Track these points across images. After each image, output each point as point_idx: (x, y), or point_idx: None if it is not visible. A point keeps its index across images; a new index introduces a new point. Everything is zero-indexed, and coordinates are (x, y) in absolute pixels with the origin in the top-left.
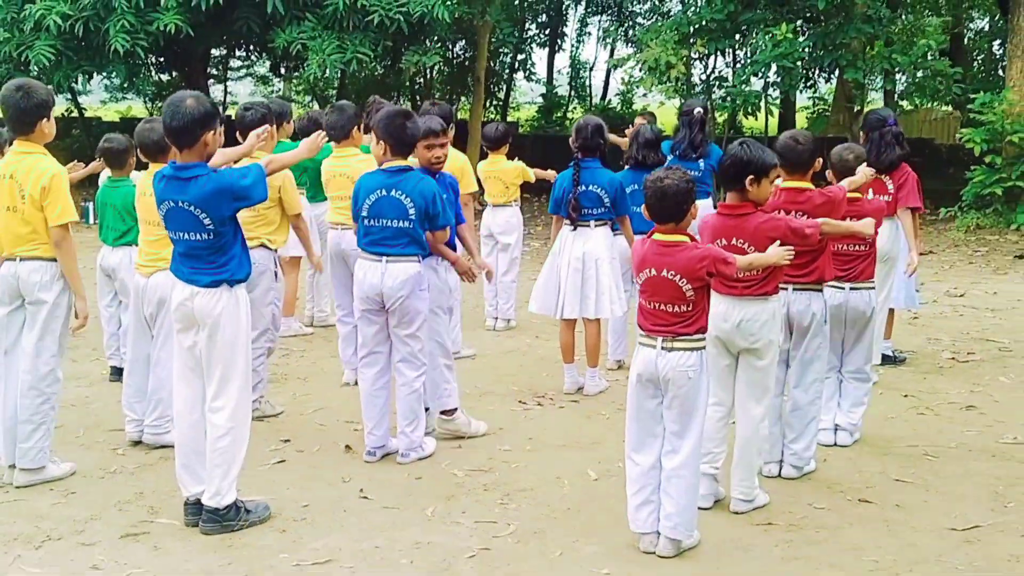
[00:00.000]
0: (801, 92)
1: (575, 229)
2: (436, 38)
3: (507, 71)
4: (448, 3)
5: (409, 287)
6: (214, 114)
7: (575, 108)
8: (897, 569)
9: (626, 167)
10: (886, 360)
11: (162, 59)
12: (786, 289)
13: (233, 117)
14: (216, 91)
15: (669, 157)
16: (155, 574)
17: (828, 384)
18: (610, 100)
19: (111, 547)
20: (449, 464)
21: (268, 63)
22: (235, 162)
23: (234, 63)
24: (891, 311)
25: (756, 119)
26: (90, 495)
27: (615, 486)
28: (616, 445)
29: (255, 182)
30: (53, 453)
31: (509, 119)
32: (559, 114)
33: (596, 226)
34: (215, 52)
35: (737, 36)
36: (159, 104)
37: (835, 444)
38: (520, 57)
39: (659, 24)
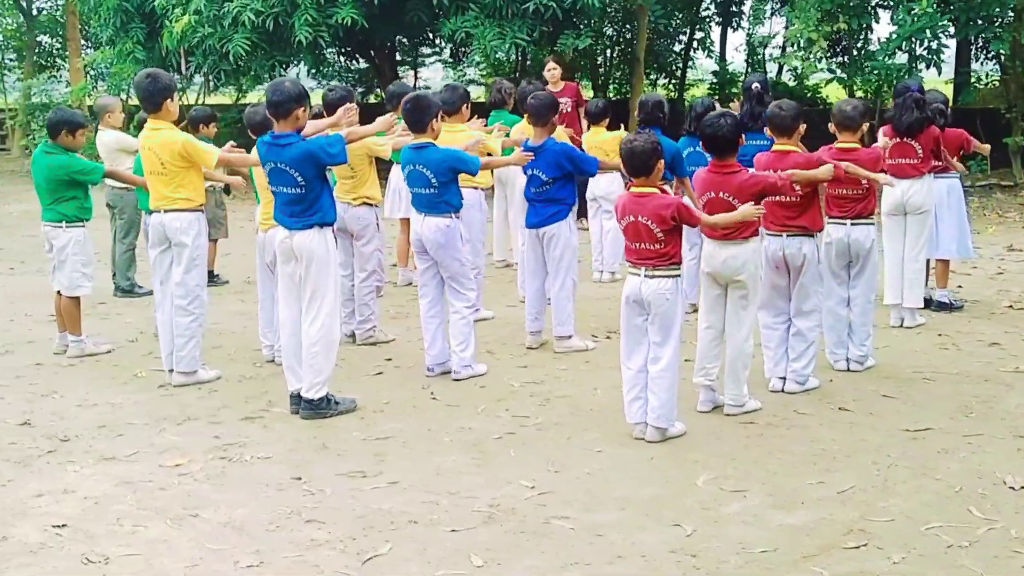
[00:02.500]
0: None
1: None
2: (589, 22)
3: (682, 49)
4: None
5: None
6: (304, 95)
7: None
8: (835, 455)
9: (683, 136)
10: (942, 307)
11: (348, 48)
12: (780, 236)
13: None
14: (408, 77)
15: None
16: (258, 442)
17: (839, 319)
18: (783, 75)
19: (232, 425)
20: (511, 377)
21: (449, 49)
22: (324, 132)
23: (424, 50)
24: (944, 262)
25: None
26: (226, 392)
27: None
28: None
29: (338, 150)
30: (204, 363)
31: (686, 97)
32: (734, 90)
33: None
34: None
35: (880, 11)
36: (360, 91)
37: (848, 370)
38: (699, 35)
39: (804, 2)
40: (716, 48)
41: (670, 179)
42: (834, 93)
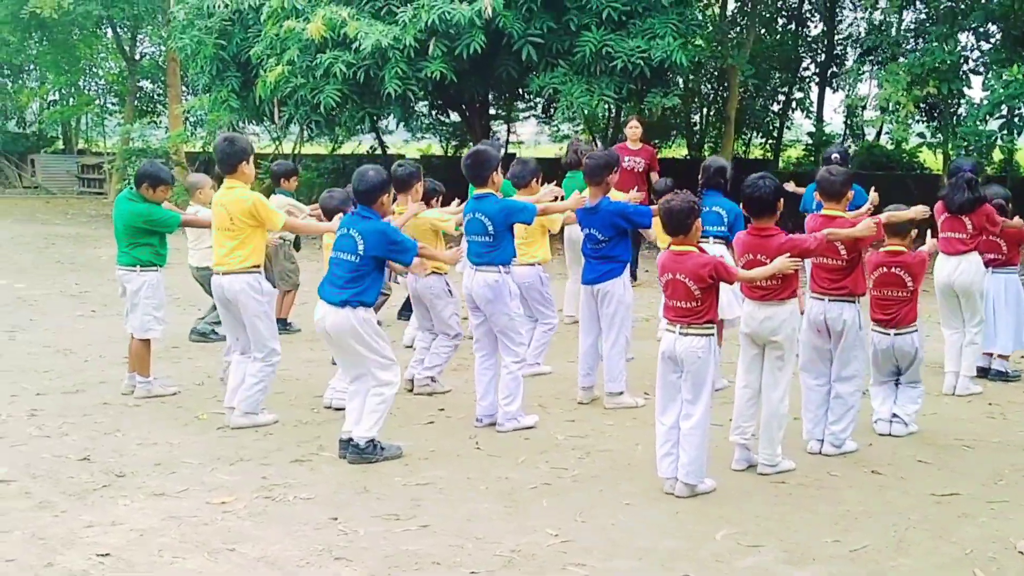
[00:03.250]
0: None
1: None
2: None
3: (780, 109)
4: (687, 49)
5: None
6: (387, 182)
7: (849, 146)
8: (857, 515)
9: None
10: (999, 376)
11: (440, 102)
12: (823, 300)
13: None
14: (501, 130)
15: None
16: (303, 483)
17: (885, 387)
18: (881, 139)
19: (281, 467)
20: (557, 431)
21: (540, 104)
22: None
23: (519, 104)
24: None
25: (991, 159)
26: (281, 436)
27: None
28: None
29: (405, 249)
30: (265, 407)
31: (781, 158)
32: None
33: (714, 242)
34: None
35: (969, 77)
36: (453, 143)
37: (889, 434)
38: (799, 96)
39: (895, 65)
40: (814, 109)
41: (725, 236)
42: (931, 158)
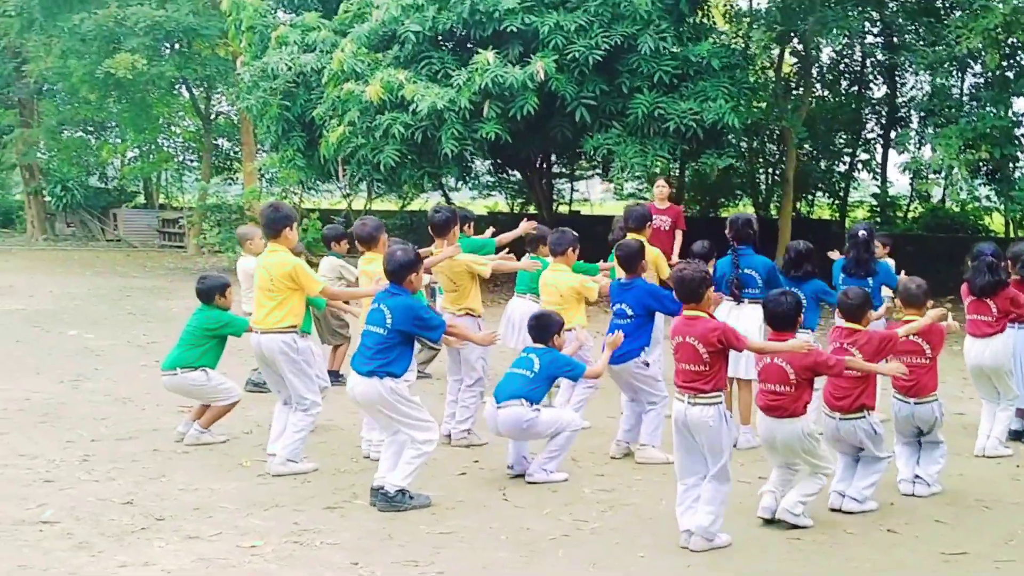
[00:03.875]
0: None
1: (739, 304)
2: (731, 141)
3: (846, 169)
4: (740, 111)
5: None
6: (416, 261)
7: (916, 208)
8: (864, 572)
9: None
10: None
11: (499, 161)
12: (834, 418)
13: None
14: (566, 188)
15: (841, 276)
16: (332, 529)
17: (908, 447)
18: (946, 201)
19: (314, 513)
20: (585, 484)
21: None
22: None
23: (583, 163)
24: None
25: None
26: (318, 483)
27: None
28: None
29: (432, 327)
30: (306, 456)
31: (848, 217)
32: (898, 213)
33: (750, 303)
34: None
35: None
36: (519, 200)
37: (912, 495)
38: (865, 157)
39: (948, 129)
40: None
41: (761, 297)
42: (997, 220)
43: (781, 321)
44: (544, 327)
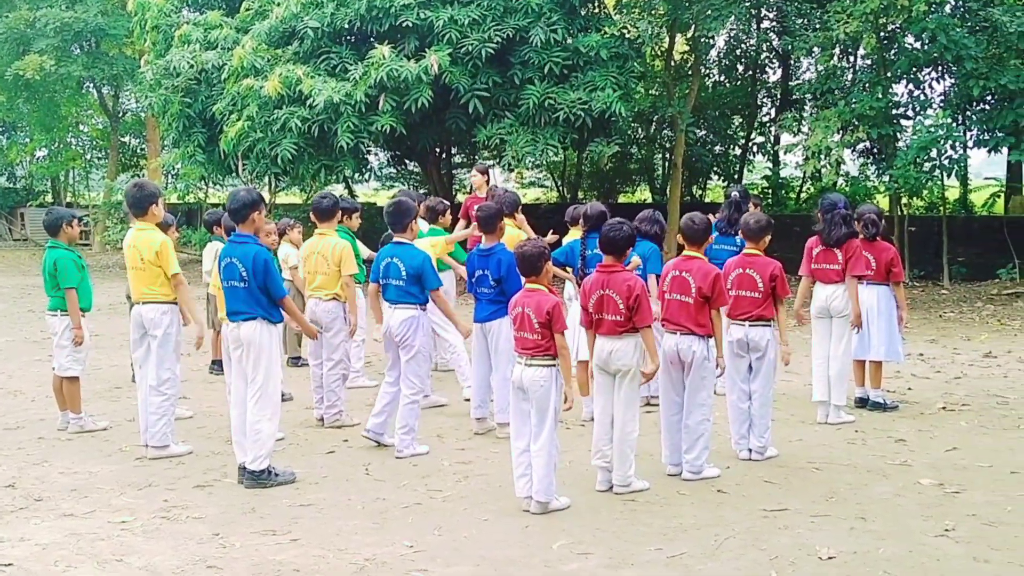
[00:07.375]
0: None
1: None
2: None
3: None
4: (627, 100)
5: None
6: (258, 201)
7: (808, 188)
8: (687, 528)
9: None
10: (876, 406)
11: (397, 153)
12: (675, 334)
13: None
14: (467, 178)
15: (714, 234)
16: (199, 505)
17: (741, 411)
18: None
19: (183, 492)
20: (445, 458)
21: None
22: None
23: (485, 153)
24: (877, 364)
25: (923, 200)
26: (192, 465)
27: (568, 476)
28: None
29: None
30: (178, 437)
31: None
32: (790, 195)
33: None
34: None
35: (899, 121)
36: (421, 191)
37: (750, 459)
38: (759, 140)
39: (826, 112)
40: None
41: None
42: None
43: (612, 246)
44: (402, 213)
